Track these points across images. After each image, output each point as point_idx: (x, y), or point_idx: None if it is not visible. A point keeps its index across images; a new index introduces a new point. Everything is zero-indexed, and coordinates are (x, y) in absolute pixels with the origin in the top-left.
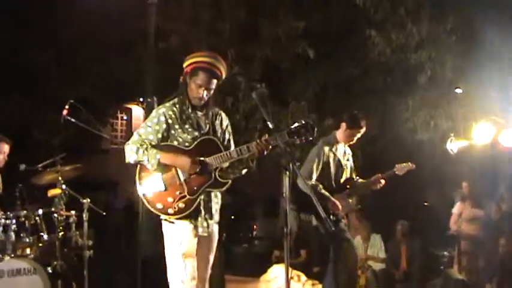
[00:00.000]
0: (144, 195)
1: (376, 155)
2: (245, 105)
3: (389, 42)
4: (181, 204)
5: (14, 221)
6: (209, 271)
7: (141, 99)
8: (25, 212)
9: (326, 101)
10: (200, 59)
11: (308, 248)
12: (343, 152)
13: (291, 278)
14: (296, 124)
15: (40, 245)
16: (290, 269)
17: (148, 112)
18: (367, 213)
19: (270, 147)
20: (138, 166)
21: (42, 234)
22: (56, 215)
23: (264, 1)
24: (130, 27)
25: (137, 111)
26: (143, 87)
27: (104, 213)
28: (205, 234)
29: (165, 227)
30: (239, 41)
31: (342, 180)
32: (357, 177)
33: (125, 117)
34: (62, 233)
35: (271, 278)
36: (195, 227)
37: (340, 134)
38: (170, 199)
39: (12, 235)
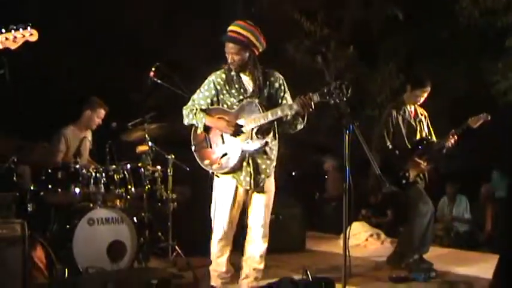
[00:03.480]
0: (195, 152)
1: (466, 117)
2: (334, 66)
3: (477, 5)
4: (223, 161)
5: (104, 174)
6: (263, 220)
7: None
8: (114, 166)
9: (415, 64)
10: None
11: (394, 208)
12: (413, 113)
13: (371, 235)
14: (331, 85)
15: (128, 197)
16: (370, 227)
17: None
18: (454, 174)
19: (313, 103)
20: (193, 127)
21: (130, 187)
22: (143, 170)
23: None
24: None
25: None
26: None
27: (188, 169)
28: (248, 188)
29: (214, 180)
30: (329, 2)
31: (411, 141)
32: (431, 137)
33: None
34: (148, 186)
35: (351, 235)
36: (238, 182)
37: (406, 95)
38: (215, 156)
39: (102, 187)
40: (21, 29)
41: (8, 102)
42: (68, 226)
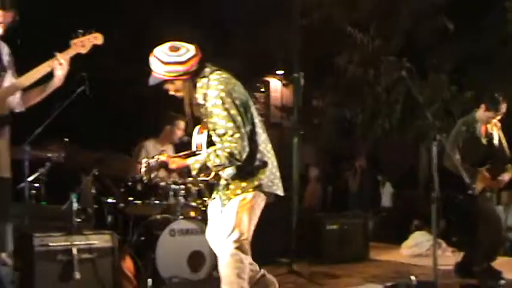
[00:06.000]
0: None
1: None
2: (387, 78)
3: None
4: None
5: (182, 187)
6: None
7: (278, 72)
8: (191, 179)
9: (466, 74)
10: None
11: (448, 218)
12: (484, 131)
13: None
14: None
15: (203, 209)
16: (431, 236)
17: (296, 88)
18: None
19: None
20: None
21: (205, 199)
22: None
23: None
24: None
25: (275, 83)
26: (282, 60)
27: None
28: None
29: None
30: (380, 15)
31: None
32: (503, 152)
33: (262, 90)
34: None
35: (413, 245)
36: None
37: (479, 114)
38: None
39: (181, 199)
40: (87, 34)
41: (89, 117)
42: (147, 237)
